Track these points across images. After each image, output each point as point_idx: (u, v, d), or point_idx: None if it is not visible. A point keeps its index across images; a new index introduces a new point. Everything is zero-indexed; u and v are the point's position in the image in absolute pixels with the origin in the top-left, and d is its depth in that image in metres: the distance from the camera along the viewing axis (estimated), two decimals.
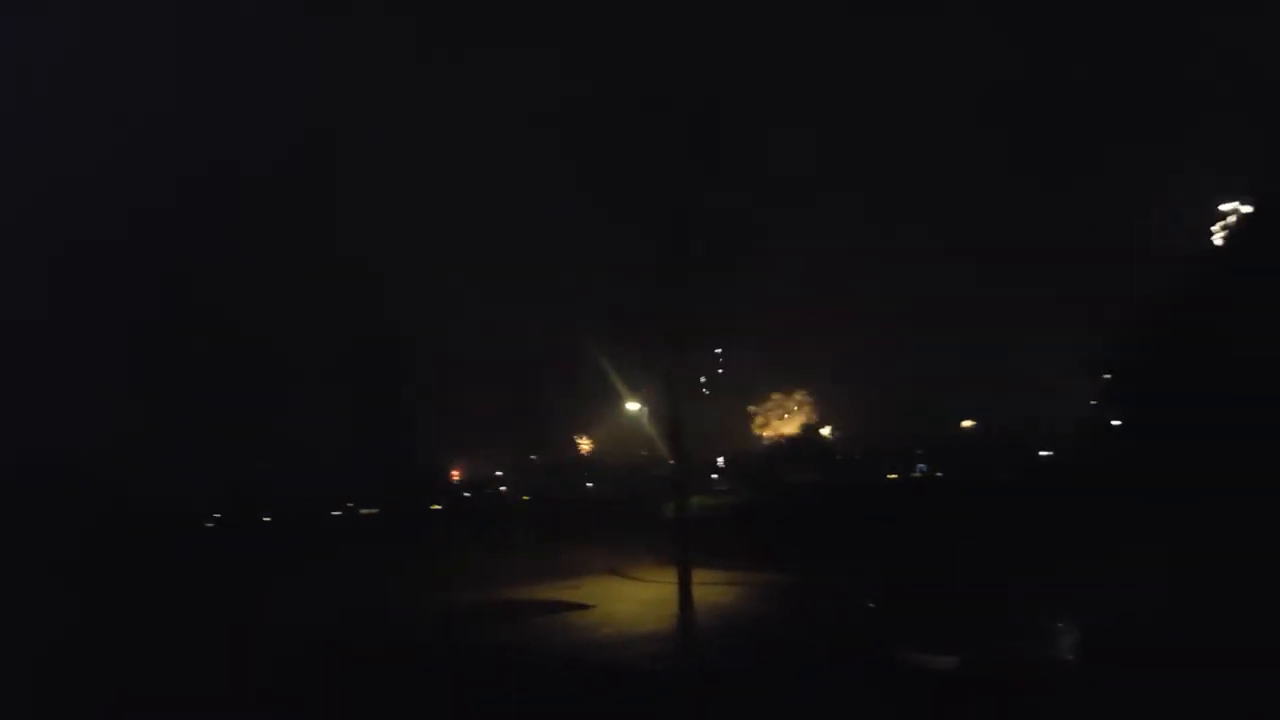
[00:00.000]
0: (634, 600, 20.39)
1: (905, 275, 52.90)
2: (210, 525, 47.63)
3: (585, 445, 61.97)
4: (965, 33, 54.18)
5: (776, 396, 57.12)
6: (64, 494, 36.21)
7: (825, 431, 55.59)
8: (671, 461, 20.15)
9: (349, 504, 54.83)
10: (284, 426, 50.94)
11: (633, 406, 26.75)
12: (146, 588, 24.83)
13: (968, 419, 52.80)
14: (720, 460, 51.42)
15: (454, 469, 64.87)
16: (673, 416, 18.57)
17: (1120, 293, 37.10)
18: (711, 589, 19.24)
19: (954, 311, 51.38)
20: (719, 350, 47.33)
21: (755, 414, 57.09)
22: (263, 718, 11.28)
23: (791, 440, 55.22)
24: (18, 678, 14.12)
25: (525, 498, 56.49)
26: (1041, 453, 39.91)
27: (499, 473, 62.54)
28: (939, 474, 42.67)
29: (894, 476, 42.50)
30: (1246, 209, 30.91)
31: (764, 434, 57.05)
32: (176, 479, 46.51)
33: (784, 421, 57.25)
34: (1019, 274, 50.13)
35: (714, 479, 44.58)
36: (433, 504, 55.91)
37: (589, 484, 57.47)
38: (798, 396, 58.03)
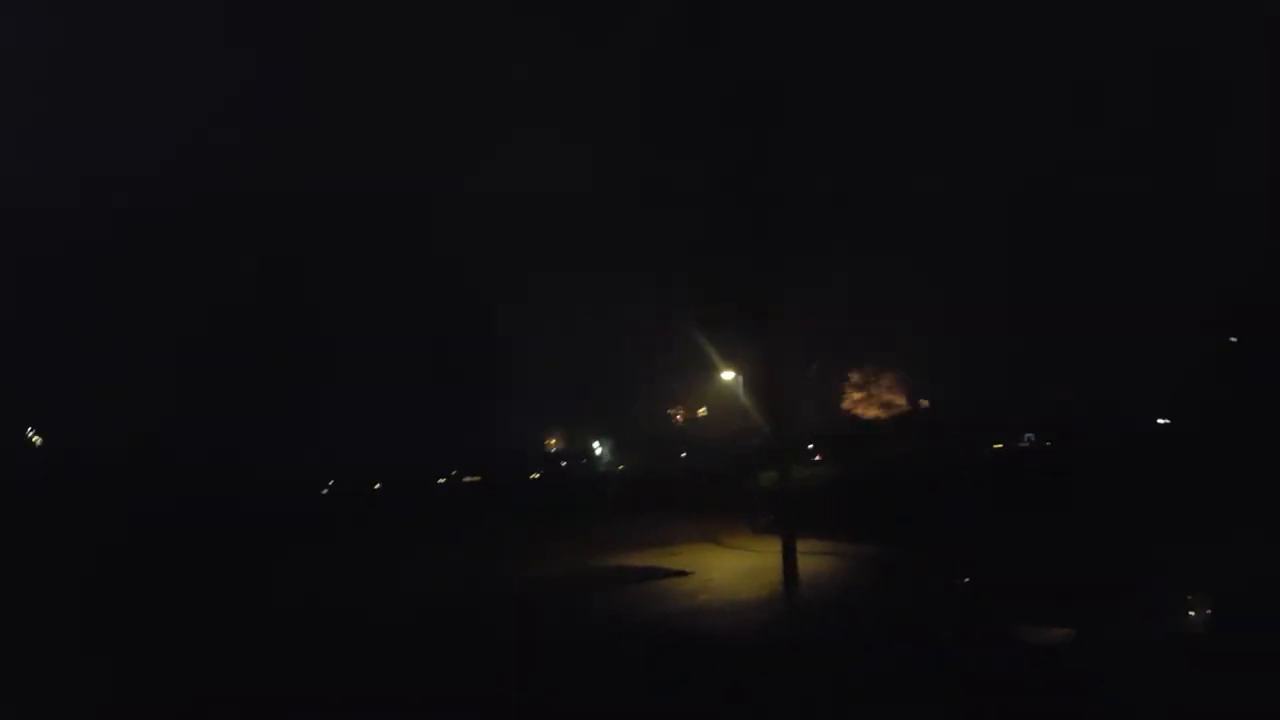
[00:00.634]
0: (731, 569, 20.48)
1: (1022, 236, 50.30)
2: (324, 492, 50.14)
3: (679, 415, 62.19)
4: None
5: (871, 366, 55.91)
6: (175, 479, 37.95)
7: (924, 402, 54.17)
8: (769, 430, 20.03)
9: (453, 472, 56.86)
10: (385, 396, 52.84)
11: (727, 376, 26.69)
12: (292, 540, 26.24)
13: (1078, 386, 50.50)
14: (816, 425, 50.85)
15: (550, 438, 66.22)
16: (771, 386, 18.43)
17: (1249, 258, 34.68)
18: (808, 559, 19.11)
19: (1070, 276, 48.69)
20: (801, 322, 46.51)
21: (851, 383, 56.01)
22: (384, 673, 11.79)
23: (888, 410, 54.08)
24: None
25: (620, 467, 57.28)
26: (1160, 420, 37.96)
27: (595, 443, 63.49)
28: (1048, 443, 41.11)
29: (999, 446, 41.20)
30: None
31: (860, 403, 55.99)
32: (284, 453, 49.09)
33: (881, 391, 56.04)
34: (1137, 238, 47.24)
35: (809, 449, 44.08)
36: (531, 473, 57.37)
37: (683, 454, 57.79)
38: (893, 368, 56.69)
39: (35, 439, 47.14)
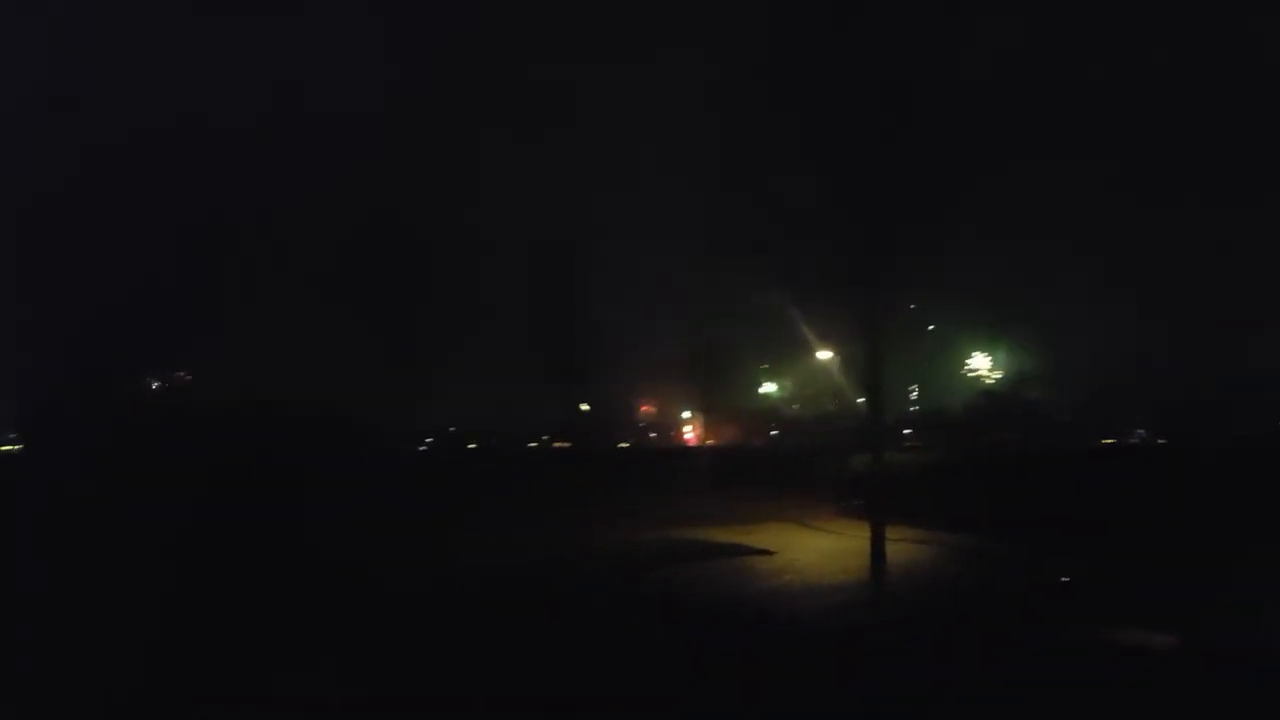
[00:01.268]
0: (816, 550, 20.17)
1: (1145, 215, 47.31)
2: (422, 449, 51.94)
3: (772, 392, 61.61)
4: None
5: (976, 352, 54.02)
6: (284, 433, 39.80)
7: (1033, 393, 52.07)
8: (865, 411, 19.56)
9: (544, 437, 57.99)
10: (479, 360, 54.12)
11: (823, 355, 26.20)
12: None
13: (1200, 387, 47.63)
14: (913, 409, 49.66)
15: (643, 408, 66.58)
16: (869, 368, 17.94)
17: None
18: (897, 545, 18.69)
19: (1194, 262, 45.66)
20: (913, 306, 45.07)
21: (954, 368, 54.30)
22: (460, 641, 11.98)
23: (991, 398, 52.24)
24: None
25: (710, 441, 57.19)
26: None
27: (685, 414, 63.61)
28: (1161, 441, 39.06)
29: (1110, 442, 39.38)
30: None
31: (962, 389, 54.24)
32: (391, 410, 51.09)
33: (982, 377, 54.14)
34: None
35: (906, 434, 43.06)
36: (620, 442, 57.94)
37: (773, 431, 57.31)
38: (998, 351, 54.62)
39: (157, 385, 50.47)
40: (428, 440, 54.08)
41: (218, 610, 13.00)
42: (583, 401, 60.80)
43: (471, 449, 53.63)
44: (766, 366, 57.77)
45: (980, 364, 54.12)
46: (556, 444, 57.12)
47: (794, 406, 58.24)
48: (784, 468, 36.28)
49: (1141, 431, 41.30)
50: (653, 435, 63.03)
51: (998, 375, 53.70)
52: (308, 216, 52.07)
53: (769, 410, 60.05)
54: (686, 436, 62.39)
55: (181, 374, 50.75)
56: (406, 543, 21.76)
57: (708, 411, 60.77)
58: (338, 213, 52.10)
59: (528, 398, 55.93)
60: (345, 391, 48.11)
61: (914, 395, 51.31)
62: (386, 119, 52.76)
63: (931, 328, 47.03)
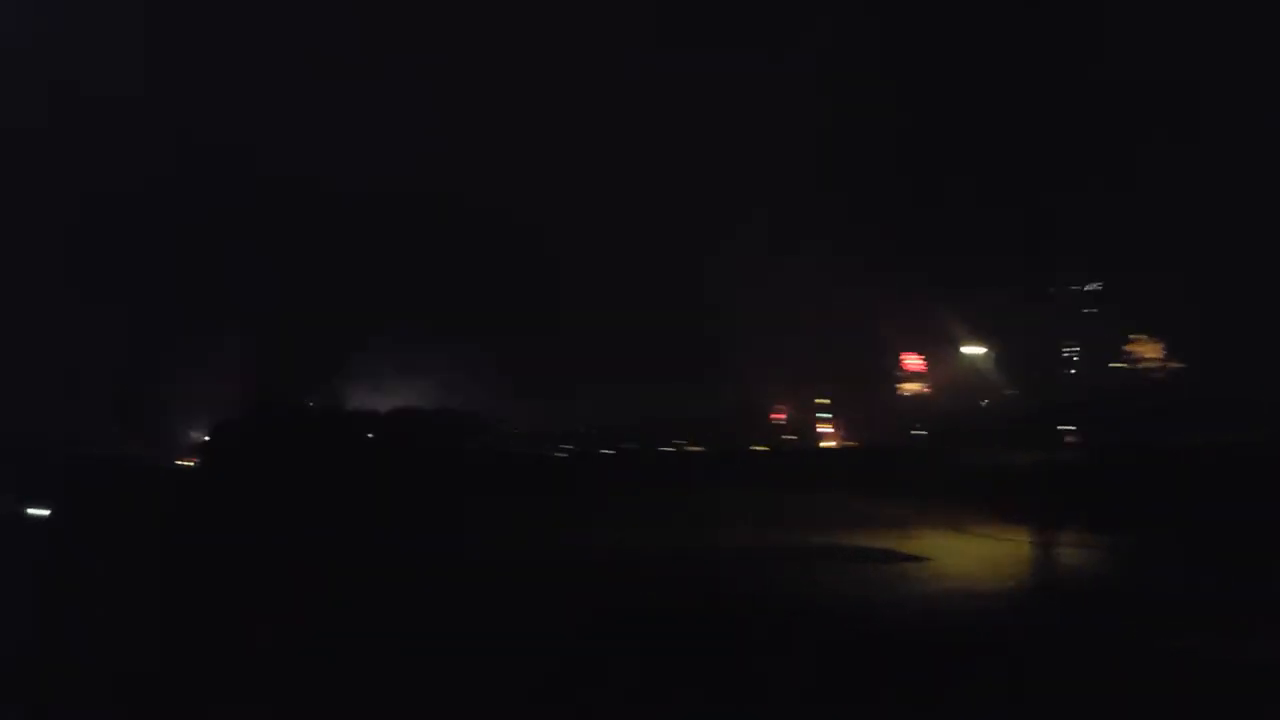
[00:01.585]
0: (972, 556, 19.34)
1: None
2: (562, 455, 53.15)
3: (915, 390, 59.55)
4: None
5: (1141, 341, 50.31)
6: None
7: (1208, 389, 48.00)
8: (1018, 410, 18.59)
9: (677, 441, 58.09)
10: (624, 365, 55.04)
11: (972, 350, 25.05)
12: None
13: None
14: (1072, 404, 46.70)
15: (776, 411, 65.72)
16: (1028, 363, 17.03)
17: None
18: (1064, 550, 17.68)
19: None
20: (1094, 287, 41.97)
21: (1128, 356, 50.68)
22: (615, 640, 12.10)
23: (1158, 390, 48.55)
24: None
25: (851, 443, 55.90)
26: None
27: (820, 416, 62.34)
28: None
29: None
30: None
31: (1127, 381, 50.65)
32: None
33: (1149, 368, 50.37)
34: None
35: (1067, 429, 40.46)
36: (754, 445, 57.27)
37: (918, 431, 55.32)
38: (1165, 340, 50.69)
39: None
40: (566, 446, 55.25)
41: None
42: (718, 405, 60.73)
43: (607, 454, 54.39)
44: (913, 363, 55.96)
45: (1146, 353, 50.43)
46: (692, 448, 57.13)
47: (941, 404, 56.06)
48: (932, 469, 34.89)
49: None
50: (791, 438, 62.08)
51: (1166, 365, 49.93)
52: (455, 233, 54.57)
53: (915, 409, 58.00)
54: (826, 437, 61.14)
55: (341, 391, 54.12)
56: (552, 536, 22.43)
57: (849, 412, 59.36)
58: (486, 224, 54.34)
59: (661, 400, 56.48)
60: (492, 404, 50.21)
61: (1073, 389, 48.34)
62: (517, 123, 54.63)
63: (1094, 313, 43.83)
